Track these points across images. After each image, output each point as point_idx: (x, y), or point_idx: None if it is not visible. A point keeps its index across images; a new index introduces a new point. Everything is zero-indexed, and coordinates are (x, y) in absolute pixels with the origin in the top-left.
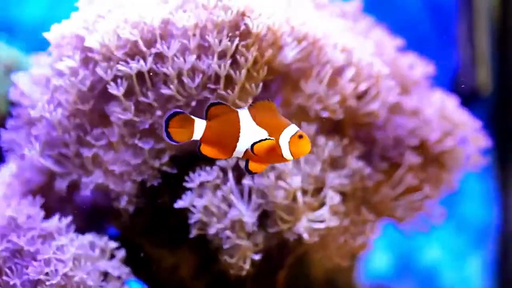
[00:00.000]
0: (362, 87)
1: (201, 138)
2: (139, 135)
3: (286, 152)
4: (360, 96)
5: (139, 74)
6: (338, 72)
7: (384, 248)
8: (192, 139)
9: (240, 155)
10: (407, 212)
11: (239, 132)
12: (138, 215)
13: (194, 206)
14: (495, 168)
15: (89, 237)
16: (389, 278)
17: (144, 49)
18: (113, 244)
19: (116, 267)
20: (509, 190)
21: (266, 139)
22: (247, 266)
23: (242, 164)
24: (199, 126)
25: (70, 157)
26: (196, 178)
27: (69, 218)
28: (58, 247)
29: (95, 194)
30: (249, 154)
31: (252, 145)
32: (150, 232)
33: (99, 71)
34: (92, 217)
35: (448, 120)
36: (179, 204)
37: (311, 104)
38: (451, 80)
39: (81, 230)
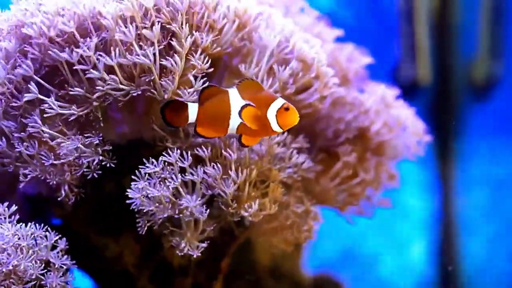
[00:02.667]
0: (303, 79)
1: (196, 121)
2: (76, 127)
3: (274, 125)
4: (302, 90)
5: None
6: (280, 62)
7: (329, 236)
8: (188, 122)
9: (234, 131)
10: (348, 201)
11: (230, 110)
12: (81, 204)
13: (147, 197)
14: (435, 158)
15: (31, 227)
16: (333, 266)
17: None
18: (54, 236)
19: (58, 257)
20: (448, 180)
21: (247, 104)
22: (195, 254)
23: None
24: (192, 110)
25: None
26: (145, 169)
27: (12, 208)
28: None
29: (37, 184)
30: (242, 130)
31: (240, 113)
32: (93, 221)
33: (25, 67)
34: (35, 207)
35: (388, 111)
36: (132, 194)
37: None
38: (392, 72)
39: (24, 220)
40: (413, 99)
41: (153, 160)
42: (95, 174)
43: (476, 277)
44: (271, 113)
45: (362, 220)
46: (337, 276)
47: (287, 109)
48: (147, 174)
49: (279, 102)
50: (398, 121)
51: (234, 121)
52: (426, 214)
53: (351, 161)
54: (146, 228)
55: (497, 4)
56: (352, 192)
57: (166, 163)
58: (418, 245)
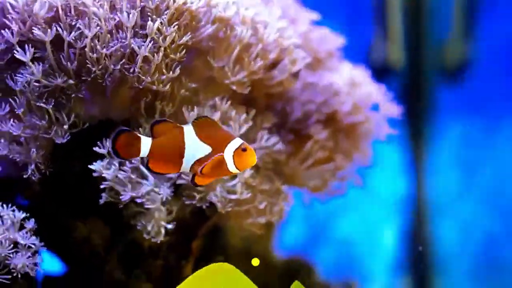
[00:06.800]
0: (270, 60)
1: (148, 155)
2: (45, 98)
3: (231, 166)
4: (271, 67)
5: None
6: (246, 48)
7: (300, 218)
8: (140, 156)
9: (187, 171)
10: (319, 182)
11: (184, 148)
12: (49, 185)
13: (107, 173)
14: (407, 140)
15: None
16: (305, 248)
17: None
18: (21, 214)
19: (26, 237)
20: (421, 162)
21: (209, 156)
22: (161, 235)
23: None
24: (145, 144)
25: None
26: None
27: None
28: None
29: (2, 164)
30: (196, 169)
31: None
32: (62, 202)
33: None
34: (2, 188)
35: (358, 91)
36: (95, 167)
37: (220, 78)
38: (365, 54)
39: None
40: (385, 81)
41: None
42: (63, 140)
43: (448, 258)
44: (228, 154)
45: (334, 202)
46: (309, 258)
47: (244, 149)
48: None
49: (237, 142)
50: (368, 101)
51: (187, 161)
52: (399, 196)
53: (322, 140)
54: (108, 204)
55: None
56: (323, 173)
57: None
58: (390, 226)
